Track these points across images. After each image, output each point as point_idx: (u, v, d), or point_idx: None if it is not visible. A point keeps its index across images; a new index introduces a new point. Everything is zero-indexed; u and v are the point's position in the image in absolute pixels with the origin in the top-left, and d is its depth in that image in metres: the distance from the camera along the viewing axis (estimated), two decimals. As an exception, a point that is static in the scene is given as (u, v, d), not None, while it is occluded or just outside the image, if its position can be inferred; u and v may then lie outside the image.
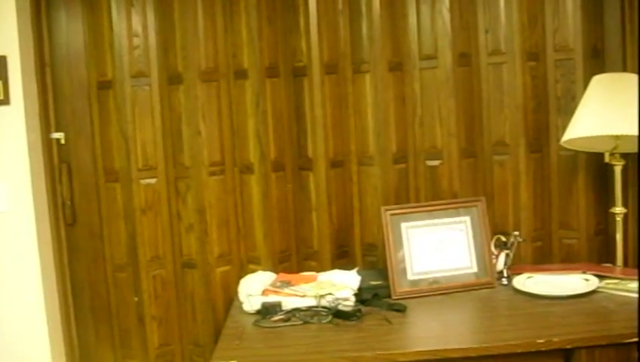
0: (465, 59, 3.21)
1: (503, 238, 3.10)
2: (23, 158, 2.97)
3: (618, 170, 2.99)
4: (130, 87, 3.17)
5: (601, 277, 2.91)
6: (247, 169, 3.22)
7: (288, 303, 2.80)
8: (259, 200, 3.21)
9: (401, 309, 2.76)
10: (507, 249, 3.07)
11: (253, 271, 3.19)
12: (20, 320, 3.02)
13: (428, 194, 3.25)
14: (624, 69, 3.06)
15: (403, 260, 2.99)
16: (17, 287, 3.01)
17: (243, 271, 3.22)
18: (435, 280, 2.98)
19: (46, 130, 3.16)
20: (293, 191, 3.28)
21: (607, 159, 3.06)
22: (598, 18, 3.16)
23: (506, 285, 2.99)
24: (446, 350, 2.42)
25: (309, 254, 3.31)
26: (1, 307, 3.02)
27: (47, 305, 3.04)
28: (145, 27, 3.16)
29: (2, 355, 3.02)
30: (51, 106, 3.19)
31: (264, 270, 3.18)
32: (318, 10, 3.16)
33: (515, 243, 3.08)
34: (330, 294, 2.81)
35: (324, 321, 2.69)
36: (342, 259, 3.31)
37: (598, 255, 3.20)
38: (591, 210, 3.20)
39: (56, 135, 3.19)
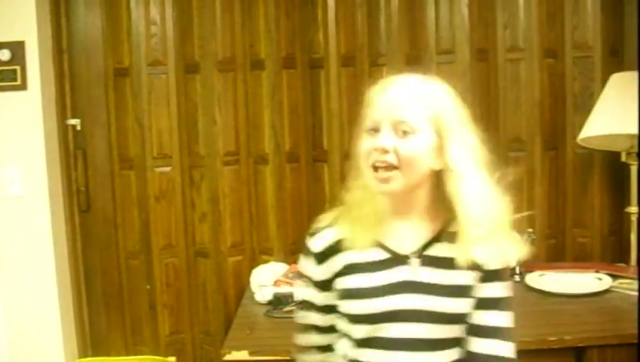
0: (482, 54, 3.20)
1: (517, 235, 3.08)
2: (39, 144, 2.98)
3: (634, 169, 2.97)
4: (146, 75, 3.17)
5: (614, 277, 2.90)
6: (262, 159, 3.22)
7: (300, 294, 2.80)
8: (273, 191, 3.22)
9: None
10: (520, 246, 3.05)
11: (266, 261, 3.20)
12: (33, 305, 3.03)
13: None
14: (643, 68, 3.05)
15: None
16: (30, 272, 3.02)
17: (255, 262, 3.23)
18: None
19: (62, 116, 3.17)
20: (307, 183, 3.28)
21: (623, 158, 3.03)
22: (617, 16, 3.14)
23: (518, 282, 2.98)
24: (457, 345, 2.41)
25: (321, 246, 3.31)
26: (14, 292, 3.03)
27: (60, 291, 3.06)
28: (162, 15, 3.16)
29: (15, 340, 3.03)
30: (68, 93, 3.20)
31: (276, 261, 3.18)
32: (336, 2, 3.16)
33: (529, 241, 3.06)
34: (341, 286, 2.80)
35: (336, 313, 2.69)
36: (354, 251, 3.30)
37: (611, 254, 3.18)
38: (605, 209, 3.19)
39: (72, 121, 3.20)
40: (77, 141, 3.22)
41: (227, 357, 2.42)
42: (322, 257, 1.63)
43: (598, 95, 2.99)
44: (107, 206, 3.26)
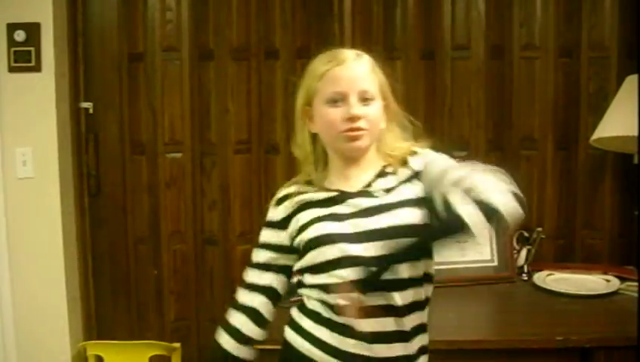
0: (498, 51, 3.19)
1: (526, 234, 3.08)
2: (51, 126, 2.99)
3: (646, 171, 2.96)
4: (160, 60, 3.18)
5: (622, 279, 2.88)
6: (273, 149, 3.22)
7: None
8: (283, 180, 3.19)
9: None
10: (529, 245, 3.05)
11: (274, 251, 3.19)
12: (40, 287, 3.05)
13: (452, 185, 3.22)
14: (659, 70, 3.03)
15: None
16: (39, 255, 3.03)
17: (263, 251, 3.22)
18: (455, 272, 2.97)
19: (75, 99, 3.17)
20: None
21: (636, 160, 3.03)
22: (635, 18, 3.12)
23: (526, 281, 2.98)
24: (462, 341, 2.42)
25: (329, 238, 3.31)
26: (21, 274, 3.04)
27: (67, 274, 3.07)
28: (178, 2, 3.17)
29: (21, 322, 3.05)
30: (82, 76, 3.19)
31: (285, 251, 3.18)
32: (352, -5, 3.15)
33: (538, 240, 3.06)
34: (349, 279, 2.80)
35: (342, 305, 2.68)
36: (362, 245, 3.30)
37: (620, 257, 3.16)
38: (616, 210, 3.17)
39: (85, 105, 3.20)
40: (89, 124, 3.22)
41: (232, 345, 2.41)
42: None
43: (613, 96, 2.97)
44: (117, 190, 3.26)
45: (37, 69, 2.95)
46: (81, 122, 3.21)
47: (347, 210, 1.77)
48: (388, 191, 1.78)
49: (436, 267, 2.89)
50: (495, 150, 3.22)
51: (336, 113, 1.75)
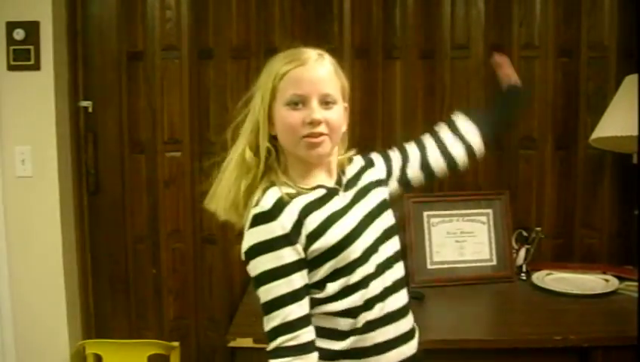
0: (497, 50, 3.18)
1: (525, 233, 3.08)
2: (50, 125, 2.99)
3: (645, 171, 2.96)
4: (160, 59, 3.18)
5: (621, 279, 2.89)
6: (272, 149, 3.21)
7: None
8: (282, 180, 3.21)
9: (419, 297, 2.75)
10: (528, 244, 3.06)
11: (272, 250, 3.19)
12: (39, 286, 3.05)
13: (451, 185, 3.22)
14: (658, 70, 3.03)
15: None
16: (38, 253, 3.03)
17: (262, 250, 3.22)
18: (454, 271, 2.97)
19: (74, 97, 3.17)
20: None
21: (635, 160, 3.03)
22: (635, 18, 3.12)
23: (524, 280, 2.98)
24: (461, 340, 2.42)
25: (329, 237, 3.30)
26: (20, 272, 3.04)
27: (66, 272, 3.07)
28: (178, 0, 3.16)
29: (20, 320, 3.05)
30: (81, 74, 3.19)
31: (283, 250, 3.17)
32: (352, -6, 3.15)
33: (537, 239, 3.06)
34: (348, 278, 2.79)
35: (341, 305, 2.68)
36: (361, 244, 3.29)
37: (618, 256, 3.17)
38: (615, 210, 3.18)
39: (84, 103, 3.20)
40: (88, 123, 3.22)
41: (232, 344, 2.42)
42: None
43: (612, 96, 2.97)
44: (116, 189, 3.26)
45: (36, 67, 2.95)
46: (80, 121, 3.21)
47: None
48: (355, 179, 1.85)
49: (435, 267, 2.95)
50: (494, 149, 3.21)
51: (296, 116, 1.69)
